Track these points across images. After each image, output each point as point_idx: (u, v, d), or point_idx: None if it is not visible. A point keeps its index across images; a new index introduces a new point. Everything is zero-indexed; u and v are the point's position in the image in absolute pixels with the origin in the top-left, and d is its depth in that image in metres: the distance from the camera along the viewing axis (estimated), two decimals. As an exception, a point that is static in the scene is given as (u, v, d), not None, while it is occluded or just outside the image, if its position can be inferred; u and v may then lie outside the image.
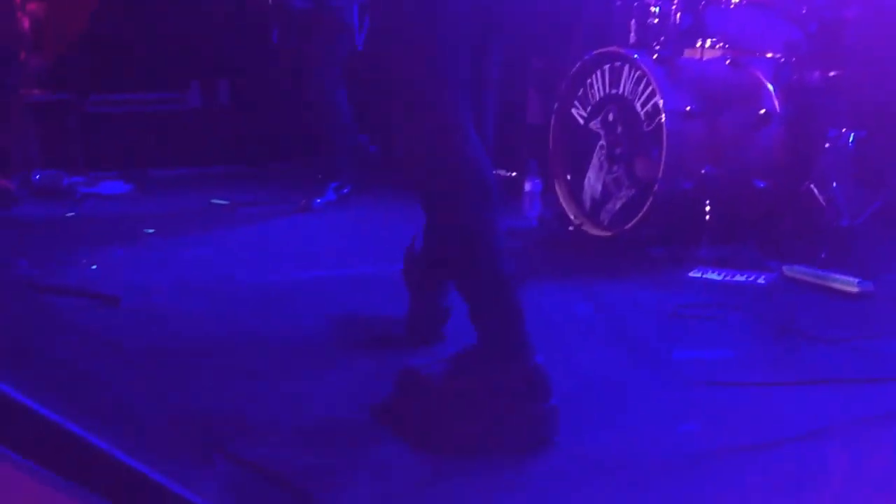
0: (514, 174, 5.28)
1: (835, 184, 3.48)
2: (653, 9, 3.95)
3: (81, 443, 1.28)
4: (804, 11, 3.70)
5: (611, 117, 3.79)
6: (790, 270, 3.29)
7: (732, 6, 3.94)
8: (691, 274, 3.36)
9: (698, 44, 3.95)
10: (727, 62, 3.79)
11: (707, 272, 3.36)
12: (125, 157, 5.50)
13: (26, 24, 5.09)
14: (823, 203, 3.47)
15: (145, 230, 4.19)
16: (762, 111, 3.65)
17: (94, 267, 3.54)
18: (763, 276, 3.30)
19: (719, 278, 3.30)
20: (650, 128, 3.62)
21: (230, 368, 2.46)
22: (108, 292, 3.08)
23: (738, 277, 3.30)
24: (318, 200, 4.73)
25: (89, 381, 1.72)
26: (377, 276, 3.33)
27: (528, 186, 4.38)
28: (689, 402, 2.23)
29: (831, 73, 3.60)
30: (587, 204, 3.87)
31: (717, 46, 3.98)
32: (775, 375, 2.37)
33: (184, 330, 2.83)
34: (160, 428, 1.71)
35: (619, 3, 4.31)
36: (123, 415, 1.62)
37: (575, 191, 3.92)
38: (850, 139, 3.52)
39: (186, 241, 4.12)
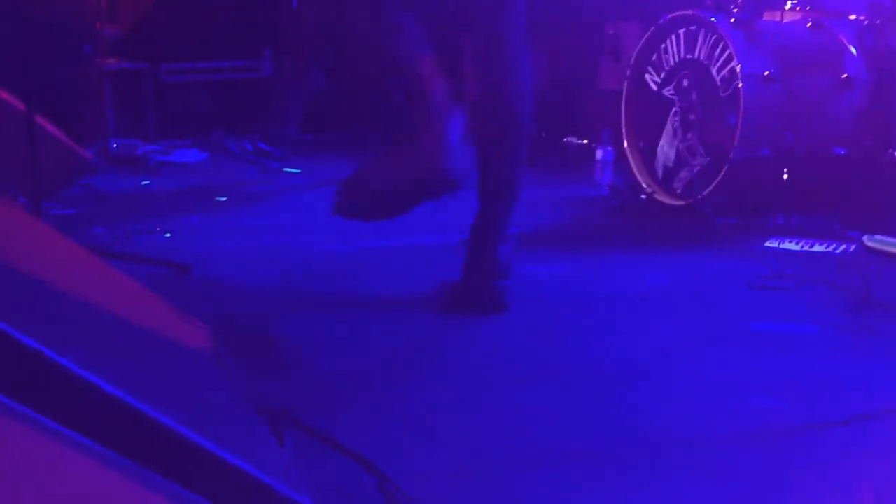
0: (585, 141, 5.22)
1: (919, 151, 3.37)
2: (731, -30, 3.83)
3: (144, 420, 1.28)
4: (890, -29, 3.57)
5: (685, 83, 3.70)
6: (871, 240, 3.19)
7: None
8: (768, 244, 3.28)
9: (782, 6, 3.82)
10: (808, 25, 3.68)
11: (784, 242, 3.28)
12: (199, 125, 5.53)
13: (101, -6, 5.14)
14: (906, 171, 3.37)
15: (218, 198, 4.22)
16: (844, 76, 3.53)
17: (167, 235, 3.57)
18: (842, 247, 3.21)
19: (797, 248, 3.23)
20: (726, 93, 3.53)
21: (299, 339, 2.47)
22: (180, 261, 3.11)
23: (817, 247, 3.22)
24: None
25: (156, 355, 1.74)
26: (443, 245, 3.33)
27: (599, 154, 4.32)
28: (768, 374, 2.17)
29: (918, 36, 3.48)
30: (660, 172, 3.80)
31: (798, 9, 3.86)
32: (855, 349, 2.31)
33: (254, 298, 2.85)
34: (227, 403, 1.71)
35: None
36: (189, 392, 1.62)
37: (647, 159, 3.85)
38: (937, 105, 3.40)
39: (258, 209, 4.14)
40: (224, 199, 4.16)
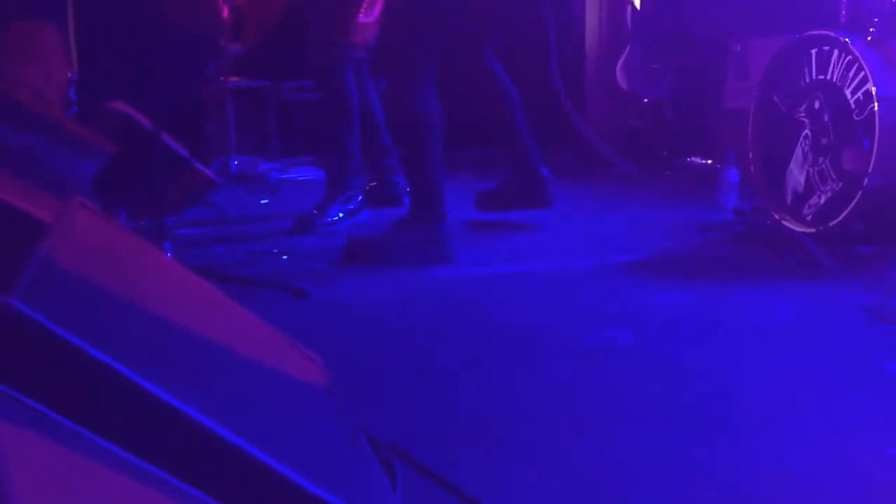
0: (710, 161, 5.08)
1: None
2: (867, -14, 3.66)
3: (259, 467, 1.25)
4: None
5: (817, 105, 3.55)
6: None
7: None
8: (905, 276, 3.09)
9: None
10: (951, 44, 3.48)
11: (923, 275, 3.08)
12: (318, 144, 5.58)
13: (226, 12, 5.23)
14: None
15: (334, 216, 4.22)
16: None
17: (285, 257, 3.59)
18: None
19: (936, 283, 3.03)
20: (861, 117, 3.37)
21: (415, 370, 2.42)
22: (297, 284, 3.11)
23: None
24: (323, 220, 4.09)
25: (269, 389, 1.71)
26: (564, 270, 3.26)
27: (725, 176, 4.18)
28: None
29: None
30: (788, 197, 3.65)
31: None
32: None
33: (371, 325, 2.83)
34: (339, 442, 1.67)
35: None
36: (302, 430, 1.59)
37: (775, 183, 3.70)
38: None
39: (375, 227, 4.13)
40: (340, 216, 4.15)
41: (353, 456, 1.66)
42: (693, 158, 5.09)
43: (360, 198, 4.19)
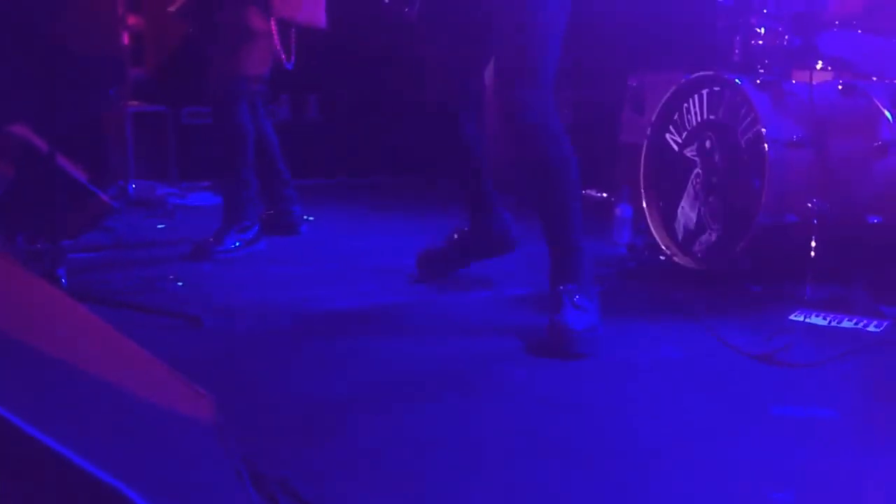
0: (605, 195, 5.17)
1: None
2: (759, 29, 3.77)
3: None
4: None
5: (708, 144, 3.64)
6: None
7: (848, 28, 3.75)
8: (792, 317, 3.13)
9: (812, 67, 3.72)
10: (839, 87, 3.58)
11: (811, 315, 3.12)
12: (215, 172, 5.53)
13: (126, 38, 5.16)
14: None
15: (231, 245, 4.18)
16: (879, 142, 3.44)
17: (180, 284, 3.54)
18: (875, 323, 3.04)
19: (824, 323, 3.07)
20: (751, 157, 3.46)
21: (308, 403, 2.40)
22: (192, 311, 3.07)
23: (846, 323, 3.05)
24: (220, 248, 4.04)
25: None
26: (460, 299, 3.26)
27: (618, 212, 4.26)
28: (785, 465, 2.08)
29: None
30: (680, 234, 3.73)
31: (829, 69, 3.79)
32: (877, 442, 2.21)
33: (264, 354, 2.80)
34: (223, 482, 1.64)
35: (722, 21, 4.16)
36: (184, 470, 1.57)
37: (667, 219, 3.78)
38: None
39: (271, 257, 4.11)
40: (237, 244, 4.11)
41: (236, 493, 1.64)
42: (588, 191, 5.16)
43: (258, 227, 4.16)
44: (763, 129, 3.40)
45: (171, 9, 4.26)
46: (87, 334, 1.93)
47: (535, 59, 2.95)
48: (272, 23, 4.02)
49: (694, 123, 3.68)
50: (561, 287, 2.88)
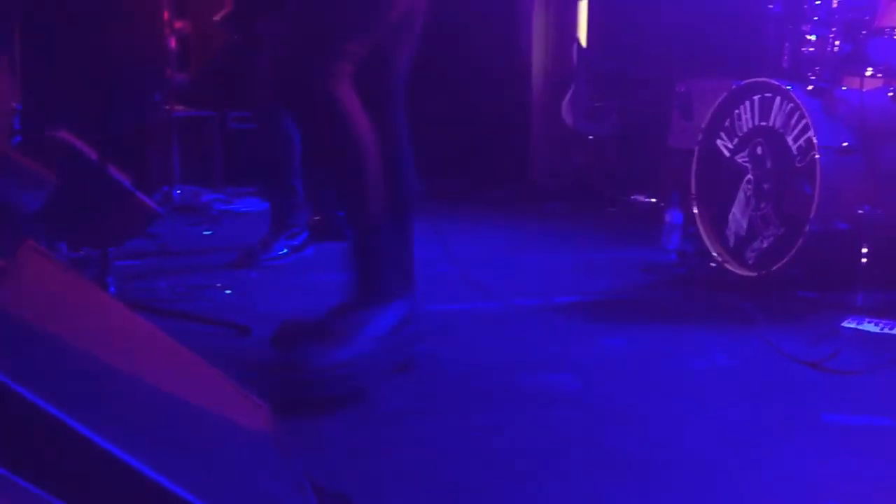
0: (653, 200, 5.14)
1: None
2: (809, 36, 3.74)
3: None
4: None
5: (759, 151, 3.61)
6: (956, 323, 3.04)
7: (897, 34, 3.70)
8: (844, 324, 3.12)
9: (862, 73, 3.69)
10: (890, 94, 3.56)
11: (862, 322, 3.11)
12: (262, 176, 5.55)
13: (173, 42, 5.19)
14: None
15: (278, 252, 4.19)
16: (929, 148, 3.41)
17: (228, 292, 3.55)
18: None
19: (876, 330, 3.06)
20: (803, 164, 3.43)
21: (356, 413, 2.40)
22: (240, 319, 3.07)
23: None
24: (267, 255, 4.04)
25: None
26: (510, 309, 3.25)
27: (668, 217, 4.23)
28: (839, 473, 2.06)
29: None
30: (731, 241, 3.70)
31: (879, 76, 3.75)
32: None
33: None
34: (285, 493, 1.65)
35: (771, 28, 4.12)
36: (245, 481, 1.57)
37: (718, 226, 3.76)
38: None
39: (318, 263, 4.11)
40: (284, 251, 4.12)
41: (299, 505, 1.64)
42: (637, 196, 5.14)
43: (306, 234, 4.16)
44: (814, 136, 3.37)
45: (216, 18, 4.28)
46: (145, 343, 1.94)
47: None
48: None
49: (745, 129, 3.66)
50: None
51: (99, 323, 1.85)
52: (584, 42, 5.80)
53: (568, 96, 5.65)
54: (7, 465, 1.07)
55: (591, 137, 5.69)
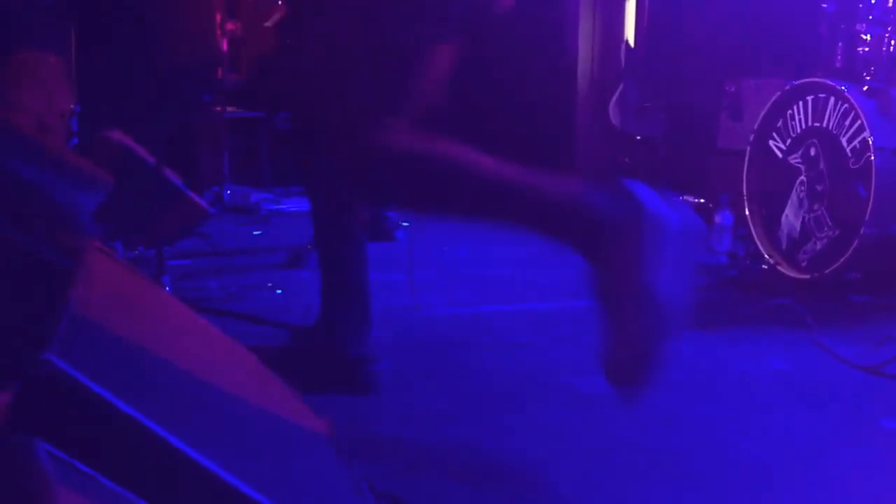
0: (702, 200, 5.11)
1: None
2: (864, 36, 3.70)
3: None
4: None
5: (813, 152, 3.58)
6: None
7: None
8: (901, 328, 3.09)
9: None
10: (948, 94, 3.52)
11: (920, 328, 3.07)
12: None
13: (224, 43, 5.24)
14: None
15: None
16: None
17: (279, 292, 3.57)
18: None
19: (933, 336, 3.03)
20: (857, 165, 3.40)
21: (408, 416, 2.41)
22: (292, 319, 3.10)
23: None
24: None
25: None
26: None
27: (718, 219, 4.20)
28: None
29: None
30: (783, 243, 3.67)
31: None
32: None
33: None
34: (349, 495, 1.66)
35: (824, 27, 4.08)
36: (314, 483, 1.59)
37: (770, 227, 3.73)
38: None
39: (370, 265, 4.11)
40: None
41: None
42: (685, 197, 5.11)
43: None
44: (869, 137, 3.33)
45: (268, 24, 4.32)
46: (212, 345, 1.97)
47: None
48: None
49: (798, 130, 3.63)
50: None
51: (167, 325, 1.88)
52: (632, 42, 5.78)
53: (616, 97, 5.63)
54: (92, 464, 1.10)
55: (638, 138, 5.67)
